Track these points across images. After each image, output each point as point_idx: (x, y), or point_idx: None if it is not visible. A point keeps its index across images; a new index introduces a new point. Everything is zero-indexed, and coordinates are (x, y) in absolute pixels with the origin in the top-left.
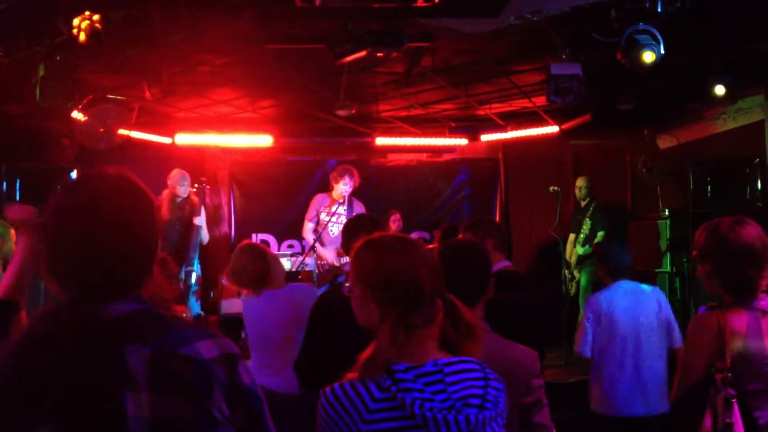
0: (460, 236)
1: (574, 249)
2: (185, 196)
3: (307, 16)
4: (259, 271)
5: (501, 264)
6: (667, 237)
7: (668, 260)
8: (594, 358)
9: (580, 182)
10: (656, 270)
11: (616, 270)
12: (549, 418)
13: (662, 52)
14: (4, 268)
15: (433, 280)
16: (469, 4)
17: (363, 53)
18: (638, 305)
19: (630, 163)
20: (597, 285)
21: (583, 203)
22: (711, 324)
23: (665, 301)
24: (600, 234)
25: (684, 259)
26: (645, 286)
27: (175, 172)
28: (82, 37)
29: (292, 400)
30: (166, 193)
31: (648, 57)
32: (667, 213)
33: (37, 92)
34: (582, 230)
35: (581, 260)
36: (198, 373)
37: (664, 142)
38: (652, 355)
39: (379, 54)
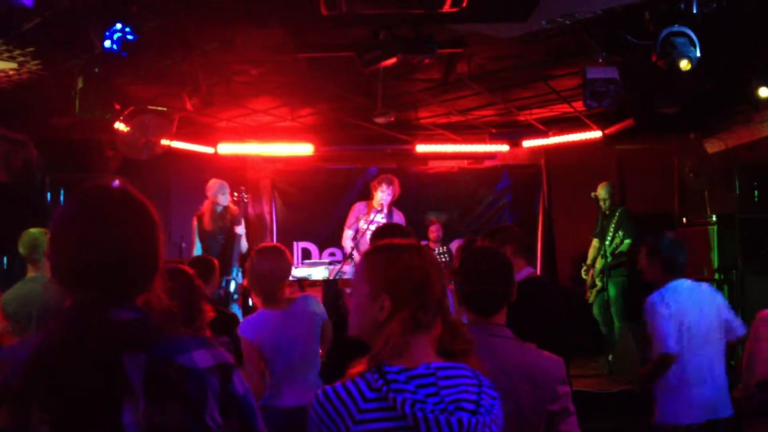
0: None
1: (599, 257)
2: (225, 205)
3: (335, 24)
4: (285, 279)
5: (523, 271)
6: (715, 243)
7: (716, 267)
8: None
9: (602, 192)
10: (704, 276)
11: (671, 267)
12: (576, 427)
13: (698, 54)
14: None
15: (442, 283)
16: (496, 9)
17: (393, 60)
18: (703, 302)
19: (677, 167)
20: (627, 294)
21: (606, 212)
22: None
23: (720, 295)
24: (626, 242)
25: (732, 265)
26: (702, 284)
27: (214, 182)
28: (114, 48)
29: None
30: (206, 203)
31: (684, 63)
32: (714, 218)
33: (77, 104)
34: (608, 237)
35: (609, 270)
36: (193, 381)
37: (712, 147)
38: (718, 357)
39: (412, 60)
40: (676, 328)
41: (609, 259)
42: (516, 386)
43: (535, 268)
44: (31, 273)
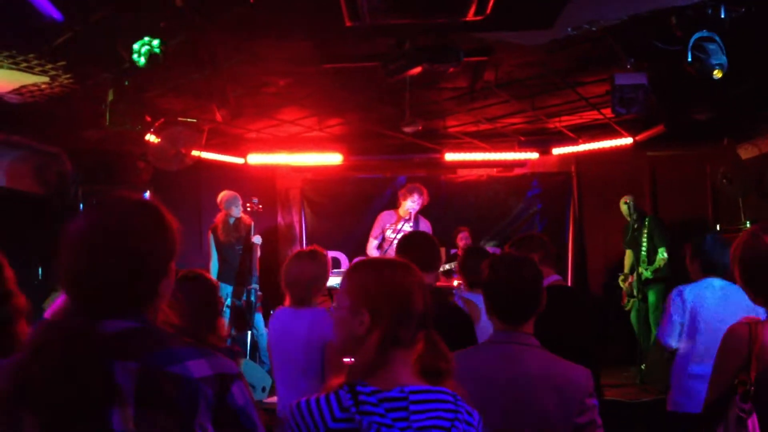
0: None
1: (637, 269)
2: (238, 216)
3: (359, 35)
4: (316, 284)
5: (549, 278)
6: None
7: None
8: (677, 355)
9: (624, 208)
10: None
11: (709, 266)
12: None
13: (726, 60)
14: None
15: (425, 304)
16: (521, 16)
17: (418, 69)
18: (727, 302)
19: (710, 174)
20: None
21: (635, 224)
22: (742, 334)
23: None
24: (661, 251)
25: None
26: (737, 286)
27: (226, 194)
28: (142, 62)
29: None
30: (219, 215)
31: (716, 72)
32: (749, 225)
33: (108, 117)
34: (642, 247)
35: (648, 282)
36: (183, 391)
37: (746, 152)
38: None
39: (437, 69)
40: (685, 322)
41: (650, 275)
42: (542, 397)
43: (566, 276)
44: None
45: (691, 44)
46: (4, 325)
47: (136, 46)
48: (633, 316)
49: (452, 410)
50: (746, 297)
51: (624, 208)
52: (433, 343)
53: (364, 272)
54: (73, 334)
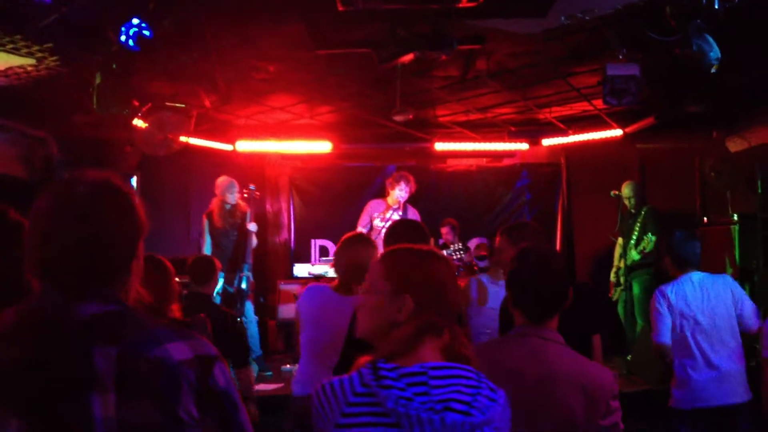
0: (497, 240)
1: (626, 254)
2: (234, 203)
3: (352, 20)
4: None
5: None
6: (737, 242)
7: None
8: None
9: (627, 191)
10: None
11: (683, 261)
12: None
13: (719, 54)
14: None
15: (456, 292)
16: (514, 4)
17: (410, 56)
18: (711, 294)
19: (698, 167)
20: (651, 294)
21: (632, 210)
22: None
23: (737, 286)
24: (650, 237)
25: (753, 265)
26: (715, 276)
27: (223, 180)
28: (131, 44)
29: None
30: (215, 201)
31: (710, 56)
32: (736, 218)
33: (95, 100)
34: (633, 235)
35: (633, 268)
36: (165, 374)
37: (735, 145)
38: (730, 344)
39: (430, 57)
40: (674, 320)
41: (636, 258)
42: (569, 396)
43: None
44: None
45: (684, 35)
46: None
47: (124, 28)
48: (620, 307)
49: (474, 385)
50: (725, 286)
51: (626, 192)
52: (457, 334)
53: (407, 259)
54: (47, 319)
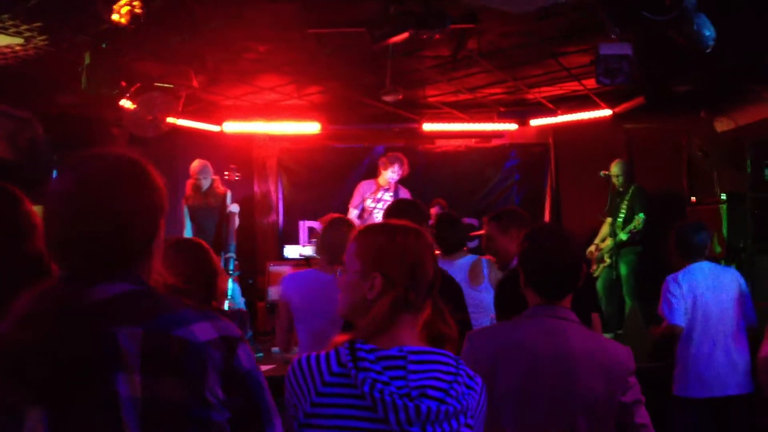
0: (484, 228)
1: (612, 234)
2: (207, 187)
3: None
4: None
5: None
6: (725, 222)
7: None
8: (679, 340)
9: (615, 169)
10: (714, 255)
11: (693, 251)
12: (649, 418)
13: (714, 33)
14: None
15: (435, 269)
16: None
17: (405, 35)
18: (720, 285)
19: (685, 147)
20: (638, 273)
21: (620, 189)
22: None
23: (743, 280)
24: (640, 217)
25: (741, 244)
26: (724, 267)
27: (197, 164)
28: (123, 21)
29: None
30: (189, 183)
31: (706, 35)
32: (724, 197)
33: (83, 80)
34: (620, 214)
35: (621, 247)
36: (191, 355)
37: (722, 125)
38: (736, 335)
39: (422, 36)
40: (686, 307)
41: (625, 237)
42: (588, 374)
43: None
44: None
45: (679, 14)
46: None
47: (116, 6)
48: (599, 283)
49: (452, 372)
50: (733, 278)
51: (614, 171)
52: (439, 310)
53: (376, 236)
54: (68, 300)
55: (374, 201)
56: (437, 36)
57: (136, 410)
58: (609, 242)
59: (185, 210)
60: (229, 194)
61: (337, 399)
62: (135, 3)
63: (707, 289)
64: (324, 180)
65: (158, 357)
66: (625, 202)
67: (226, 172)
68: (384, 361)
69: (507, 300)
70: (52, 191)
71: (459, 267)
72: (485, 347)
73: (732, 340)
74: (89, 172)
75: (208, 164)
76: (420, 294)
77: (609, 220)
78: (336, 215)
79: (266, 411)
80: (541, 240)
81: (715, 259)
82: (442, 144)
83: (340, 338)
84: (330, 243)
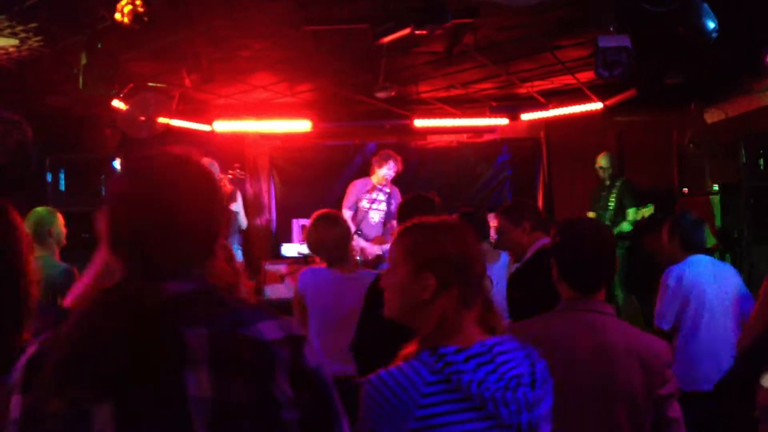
0: (495, 222)
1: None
2: None
3: None
4: (348, 242)
5: (540, 241)
6: (718, 212)
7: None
8: (678, 335)
9: (603, 161)
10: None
11: (694, 244)
12: (681, 413)
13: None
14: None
15: (482, 261)
16: None
17: (406, 31)
18: (721, 279)
19: (676, 139)
20: (630, 268)
21: (607, 182)
22: None
23: (739, 274)
24: (631, 211)
25: (735, 235)
26: (722, 262)
27: (204, 162)
28: (126, 21)
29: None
30: None
31: (710, 25)
32: (717, 188)
33: (80, 81)
34: (609, 207)
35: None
36: (259, 353)
37: (712, 117)
38: (735, 331)
39: (422, 32)
40: (685, 299)
41: (627, 229)
42: (627, 368)
43: None
44: (38, 252)
45: (682, 3)
46: None
47: (118, 5)
48: None
49: (528, 356)
50: (732, 273)
51: (602, 163)
52: (488, 302)
53: (424, 235)
54: (135, 298)
55: (369, 201)
56: (439, 31)
57: (205, 409)
58: None
59: None
60: (238, 194)
61: (442, 407)
62: (137, 2)
63: (710, 282)
64: (316, 178)
65: (226, 355)
66: (613, 195)
67: (230, 171)
68: (473, 359)
69: (520, 294)
70: (117, 188)
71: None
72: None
73: (730, 333)
74: (156, 170)
75: (215, 163)
76: (474, 291)
77: (592, 214)
78: (325, 211)
79: (334, 410)
80: (576, 232)
81: (709, 251)
82: (433, 140)
83: (410, 348)
84: (321, 241)
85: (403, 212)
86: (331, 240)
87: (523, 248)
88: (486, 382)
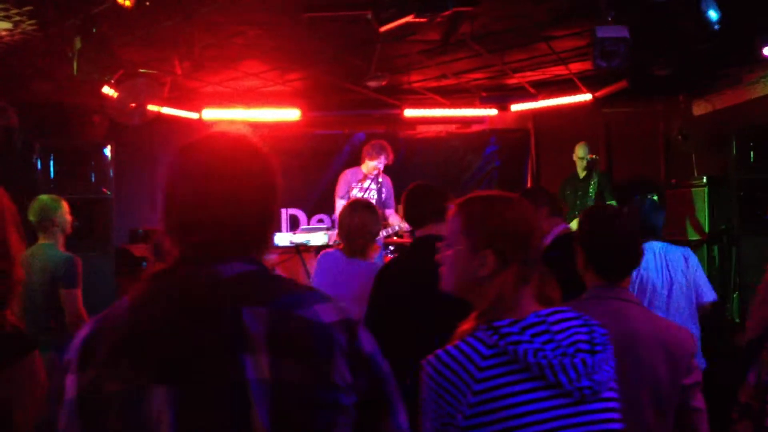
0: None
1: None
2: None
3: None
4: (373, 236)
5: (560, 227)
6: (706, 205)
7: (706, 228)
8: None
9: (581, 151)
10: (691, 238)
11: (649, 230)
12: (704, 403)
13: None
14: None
15: (541, 236)
16: None
17: (409, 18)
18: (668, 264)
19: (663, 131)
20: None
21: (582, 174)
22: None
23: (693, 257)
24: (612, 204)
25: (723, 226)
26: (673, 246)
27: None
28: (127, 4)
29: None
30: None
31: (713, 16)
32: (705, 180)
33: (75, 66)
34: (587, 203)
35: None
36: (318, 336)
37: (699, 109)
38: (684, 315)
39: (422, 19)
40: (633, 288)
41: None
42: (652, 357)
43: None
44: (41, 240)
45: None
46: None
47: None
48: None
49: (584, 324)
50: (682, 258)
51: (579, 152)
52: (545, 275)
53: (483, 209)
54: (192, 280)
55: (360, 190)
56: (439, 18)
57: (264, 393)
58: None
59: None
60: None
61: (501, 379)
62: None
63: (658, 269)
64: (305, 167)
65: (284, 338)
66: (592, 186)
67: None
68: (528, 330)
69: None
70: (173, 169)
71: None
72: None
73: (684, 319)
74: (214, 151)
75: None
76: (533, 266)
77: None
78: (357, 199)
79: (391, 395)
80: (604, 220)
81: (694, 243)
82: (423, 130)
83: (466, 325)
84: (346, 225)
85: (410, 200)
86: (357, 226)
87: (542, 233)
88: (543, 351)
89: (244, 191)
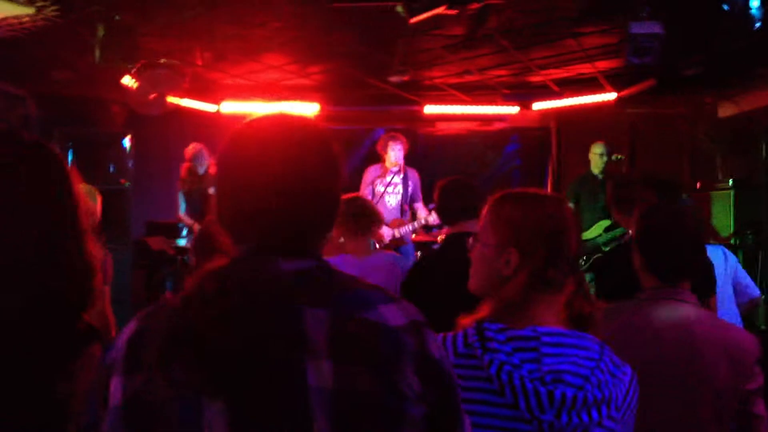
0: None
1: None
2: (203, 171)
3: None
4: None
5: None
6: (732, 207)
7: (729, 230)
8: None
9: (599, 149)
10: (712, 241)
11: None
12: (765, 410)
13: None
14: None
15: (578, 242)
16: None
17: (440, 9)
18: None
19: (688, 131)
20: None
21: (599, 173)
22: None
23: (732, 255)
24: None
25: (748, 232)
26: (716, 247)
27: (192, 147)
28: None
29: None
30: (185, 166)
31: (756, 19)
32: (731, 183)
33: (97, 53)
34: (599, 202)
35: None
36: (383, 341)
37: (724, 110)
38: (728, 317)
39: (453, 12)
40: None
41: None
42: (713, 360)
43: None
44: None
45: None
46: None
47: None
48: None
49: (594, 358)
50: (725, 256)
51: (598, 149)
52: (582, 288)
53: (512, 207)
54: (250, 277)
55: (383, 185)
56: (468, 12)
57: (326, 401)
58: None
59: (180, 193)
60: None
61: (462, 381)
62: None
63: None
64: None
65: (348, 342)
66: (603, 192)
67: None
68: (515, 342)
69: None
70: (229, 154)
71: None
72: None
73: (727, 318)
74: (275, 136)
75: (204, 149)
76: (560, 271)
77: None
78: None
79: (457, 406)
80: (663, 220)
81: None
82: (442, 127)
83: (467, 319)
84: (341, 213)
85: (441, 196)
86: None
87: (579, 236)
88: (517, 369)
89: (318, 180)
